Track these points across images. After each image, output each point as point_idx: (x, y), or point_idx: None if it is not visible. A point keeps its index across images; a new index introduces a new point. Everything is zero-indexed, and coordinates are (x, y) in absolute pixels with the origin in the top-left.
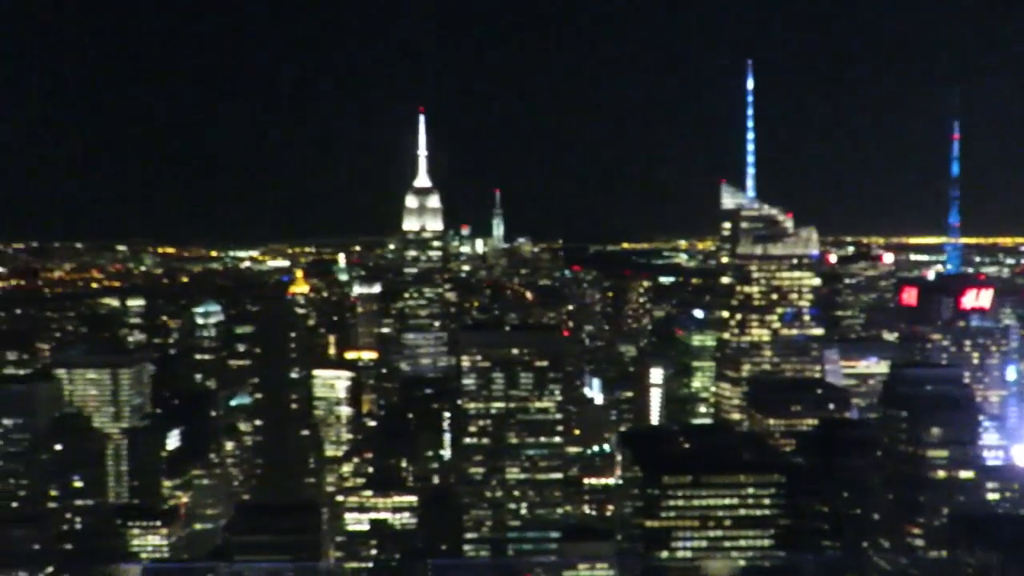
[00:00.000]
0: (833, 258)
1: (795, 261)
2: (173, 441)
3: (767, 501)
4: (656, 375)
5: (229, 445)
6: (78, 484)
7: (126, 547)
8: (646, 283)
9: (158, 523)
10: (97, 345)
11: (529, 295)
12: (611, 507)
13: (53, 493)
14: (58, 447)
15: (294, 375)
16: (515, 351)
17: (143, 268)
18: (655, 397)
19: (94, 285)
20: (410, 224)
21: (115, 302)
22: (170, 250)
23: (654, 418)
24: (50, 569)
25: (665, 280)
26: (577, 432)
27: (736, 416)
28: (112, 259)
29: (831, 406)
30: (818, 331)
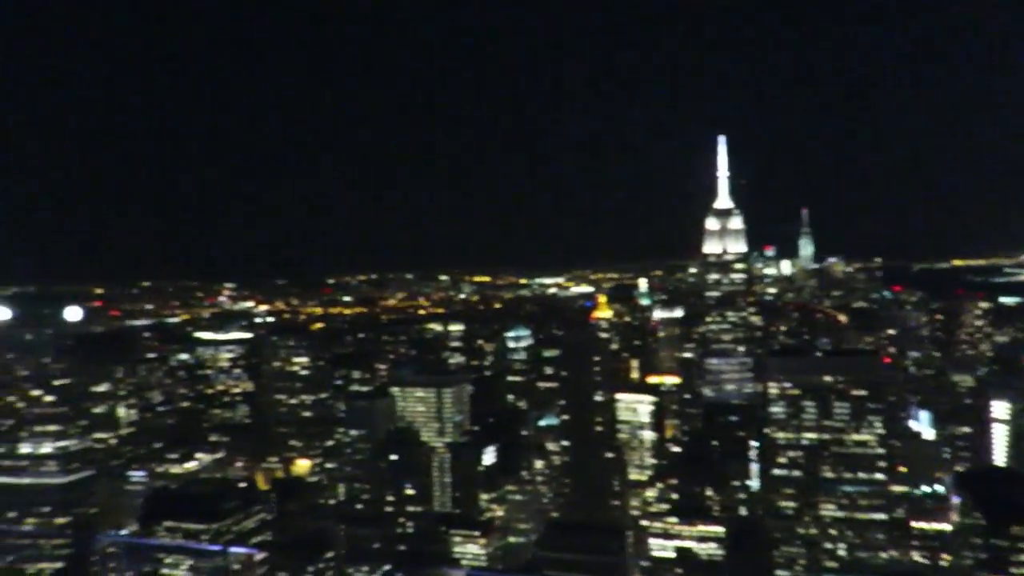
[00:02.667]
0: None
1: None
2: (489, 457)
3: None
4: (1000, 409)
5: (539, 463)
6: (410, 492)
7: (449, 553)
8: (984, 304)
9: (477, 533)
10: (424, 366)
11: (842, 318)
12: (946, 557)
13: (389, 498)
14: (393, 457)
15: (598, 398)
16: (828, 378)
17: (462, 296)
18: (999, 434)
19: (421, 312)
20: (711, 247)
21: (439, 327)
22: (485, 279)
23: (998, 458)
24: (387, 567)
25: (1008, 301)
26: (903, 470)
27: None
28: (436, 288)
29: None
30: None
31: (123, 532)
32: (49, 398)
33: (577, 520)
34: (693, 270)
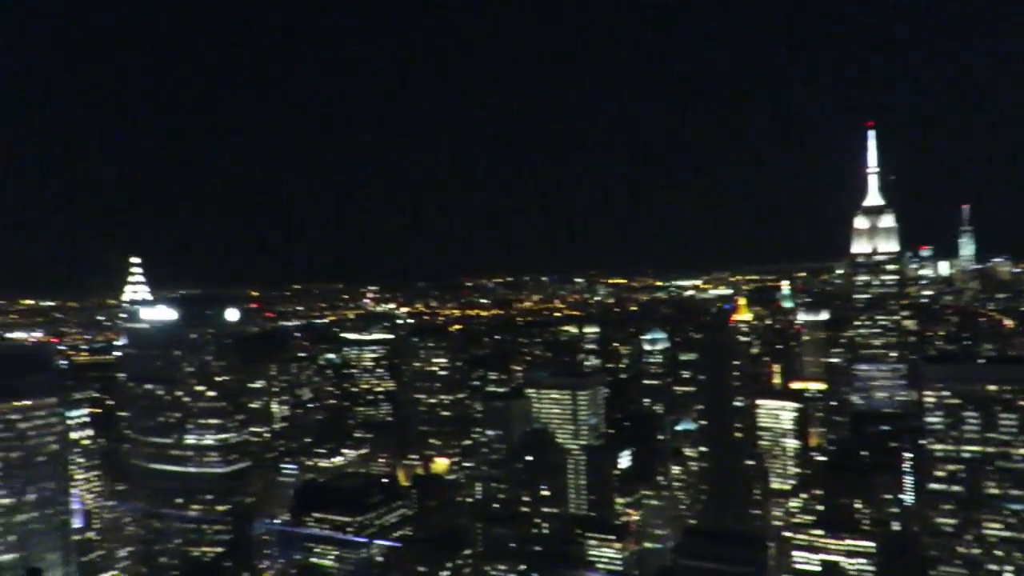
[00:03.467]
0: None
1: None
2: (624, 460)
3: None
4: None
5: (675, 469)
6: (545, 493)
7: (584, 556)
8: None
9: (612, 537)
10: (560, 368)
11: (1008, 322)
12: None
13: (525, 499)
14: (528, 458)
15: (738, 403)
16: (992, 387)
17: (597, 298)
18: None
19: (556, 314)
20: (860, 246)
21: (574, 329)
22: (620, 281)
23: None
24: (522, 567)
25: None
26: None
27: None
28: (571, 290)
29: None
30: None
31: (276, 521)
32: (211, 393)
33: (716, 528)
34: (840, 271)
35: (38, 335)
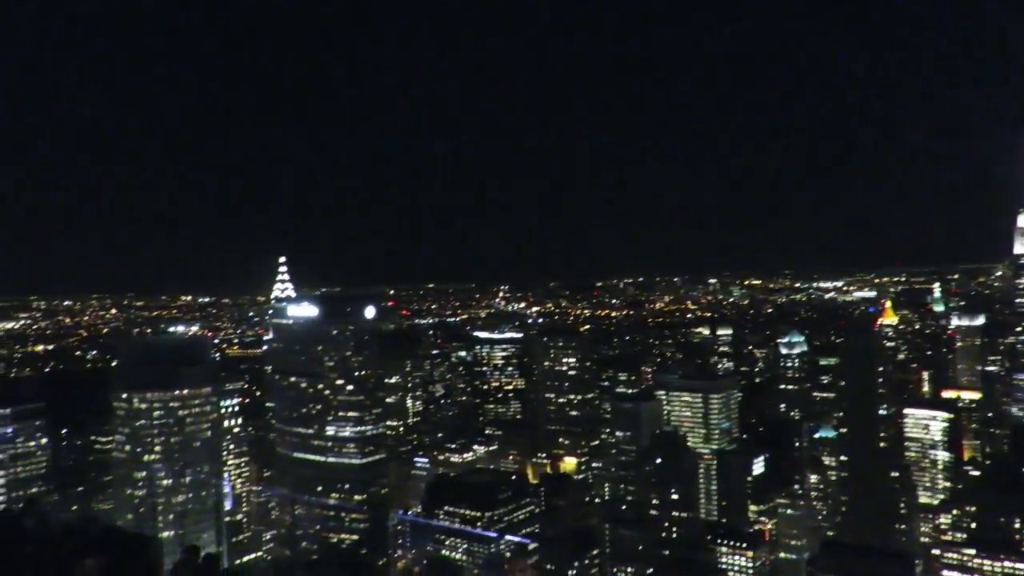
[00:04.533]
0: None
1: None
2: (758, 467)
3: None
4: None
5: (813, 478)
6: (675, 497)
7: (715, 564)
8: None
9: (744, 545)
10: (691, 370)
11: None
12: None
13: (654, 502)
14: (658, 460)
15: (882, 411)
16: None
17: (731, 299)
18: None
19: (688, 315)
20: (1022, 247)
21: (706, 331)
22: (756, 282)
23: None
24: (651, 571)
25: None
26: None
27: None
28: (704, 291)
29: None
30: None
31: (409, 513)
32: (350, 387)
33: (856, 542)
34: (999, 273)
35: (195, 329)
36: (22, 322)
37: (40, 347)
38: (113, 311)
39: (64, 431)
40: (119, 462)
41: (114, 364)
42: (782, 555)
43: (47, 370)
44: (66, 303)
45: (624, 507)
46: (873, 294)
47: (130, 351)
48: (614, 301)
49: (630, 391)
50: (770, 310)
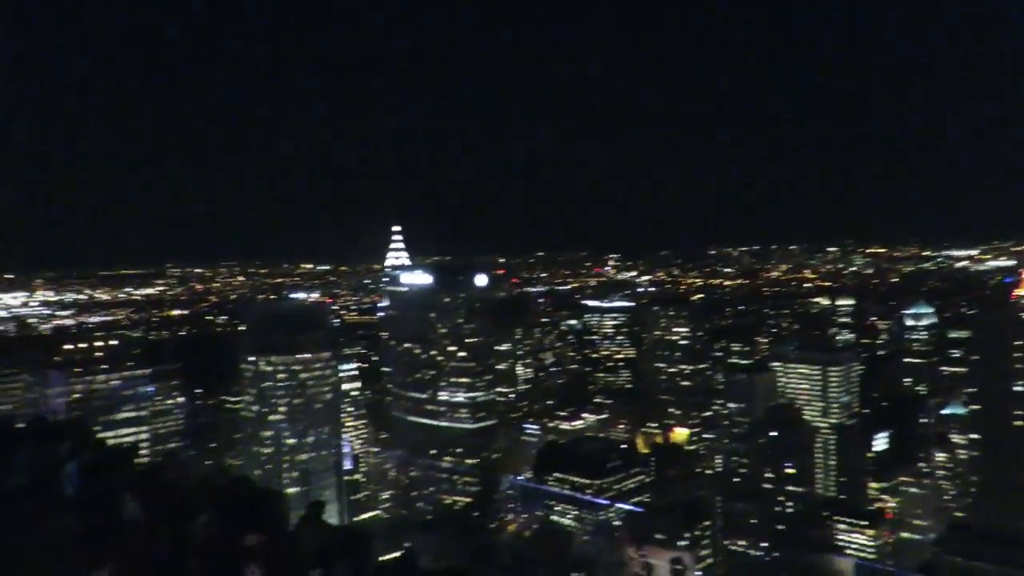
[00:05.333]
0: None
1: None
2: (880, 443)
3: None
4: None
5: (940, 456)
6: (790, 471)
7: (832, 540)
8: None
9: (865, 523)
10: (808, 342)
11: None
12: None
13: (768, 475)
14: (773, 434)
15: (1018, 388)
16: None
17: (853, 268)
18: None
19: (806, 285)
20: None
21: (825, 301)
22: (880, 250)
23: None
24: (764, 544)
25: None
26: None
27: None
28: (823, 260)
29: None
30: None
31: (519, 478)
32: (462, 354)
33: (987, 525)
34: None
35: (315, 296)
36: (159, 288)
37: (176, 312)
38: (240, 278)
39: (198, 391)
40: (247, 421)
41: (242, 329)
42: (904, 535)
43: (182, 334)
44: (198, 271)
45: (737, 480)
46: (1012, 263)
47: (256, 317)
48: (727, 270)
49: (744, 362)
50: (895, 279)
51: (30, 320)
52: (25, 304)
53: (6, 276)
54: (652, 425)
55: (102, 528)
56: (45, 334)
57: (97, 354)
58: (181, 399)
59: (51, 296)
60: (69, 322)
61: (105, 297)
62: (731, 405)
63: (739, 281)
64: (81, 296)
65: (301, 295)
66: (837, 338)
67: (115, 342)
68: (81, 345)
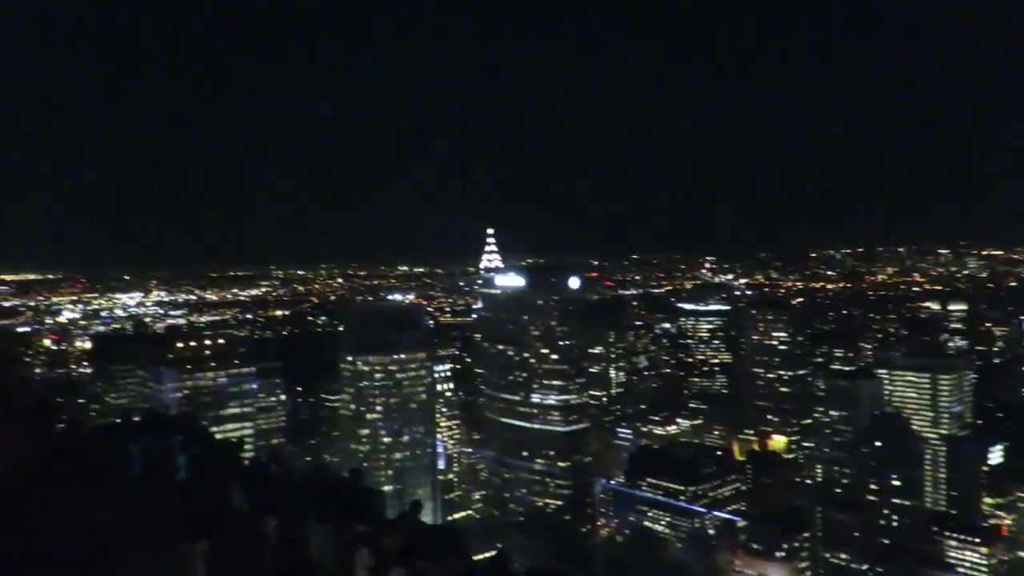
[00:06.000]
0: None
1: None
2: (995, 456)
3: None
4: None
5: None
6: (896, 483)
7: (941, 557)
8: None
9: (977, 540)
10: (916, 348)
11: None
12: None
13: (872, 487)
14: (878, 443)
15: None
16: None
17: (966, 272)
18: None
19: (915, 289)
20: None
21: (936, 306)
22: (997, 252)
23: None
24: (868, 559)
25: None
26: None
27: None
28: (934, 263)
29: None
30: None
31: (612, 482)
32: (554, 356)
33: None
34: None
35: (411, 297)
36: (263, 289)
37: (278, 312)
38: (339, 279)
39: (299, 389)
40: (345, 419)
41: (341, 329)
42: (1021, 554)
43: (284, 333)
44: (299, 272)
45: (838, 490)
46: None
47: (354, 317)
48: (830, 272)
49: (847, 368)
50: (1013, 284)
51: (146, 319)
52: (141, 304)
53: (124, 277)
54: (748, 432)
55: (209, 514)
56: (159, 332)
57: (206, 352)
58: (283, 396)
59: (164, 296)
60: (181, 321)
61: (214, 297)
62: (833, 413)
63: (842, 284)
64: (192, 296)
65: (398, 296)
66: (948, 345)
67: (222, 341)
68: (191, 343)
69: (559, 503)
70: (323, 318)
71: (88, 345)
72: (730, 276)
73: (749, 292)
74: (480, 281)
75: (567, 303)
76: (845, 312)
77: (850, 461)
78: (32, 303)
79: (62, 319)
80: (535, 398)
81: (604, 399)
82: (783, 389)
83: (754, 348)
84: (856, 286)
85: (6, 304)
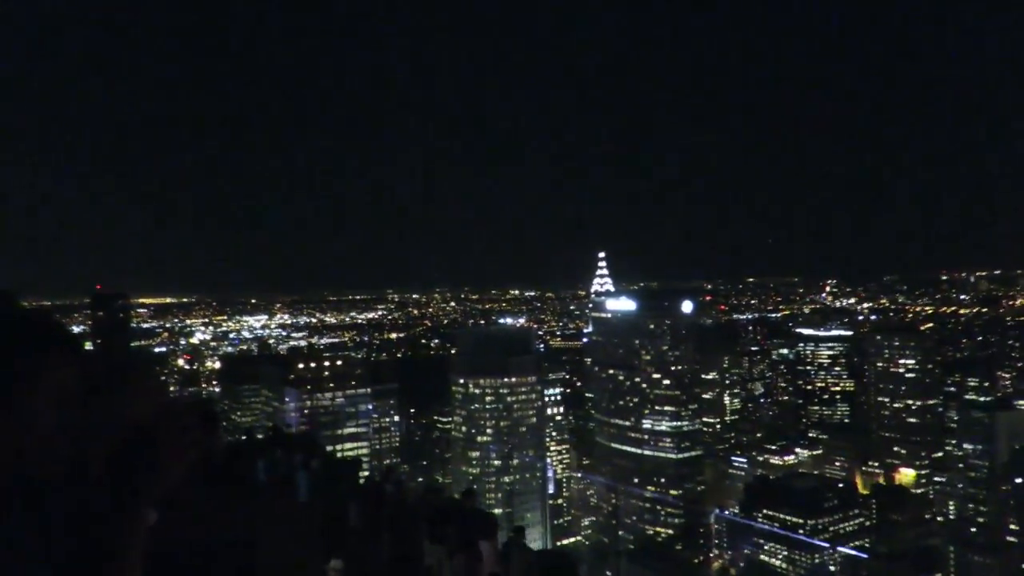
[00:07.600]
0: None
1: None
2: None
3: None
4: None
5: None
6: None
7: None
8: None
9: None
10: None
11: None
12: None
13: (1013, 527)
14: (1019, 480)
15: None
16: None
17: None
18: None
19: None
20: None
21: None
22: None
23: None
24: None
25: None
26: None
27: None
28: None
29: None
30: None
31: (726, 512)
32: (667, 381)
33: None
34: None
35: (522, 321)
36: (379, 312)
37: (394, 335)
38: (452, 303)
39: (412, 410)
40: (456, 441)
41: (453, 352)
42: None
43: (399, 355)
44: (414, 296)
45: (973, 530)
46: None
47: (466, 340)
48: (963, 297)
49: (983, 399)
50: None
51: (270, 340)
52: (266, 326)
53: (252, 300)
54: (873, 464)
55: (332, 529)
56: (282, 354)
57: (325, 373)
58: (397, 417)
59: (288, 319)
60: (302, 343)
61: (333, 320)
62: (967, 446)
63: (977, 309)
64: (312, 319)
65: (508, 320)
66: None
67: (340, 362)
68: (312, 364)
69: (670, 532)
70: (436, 341)
71: (217, 365)
72: (852, 300)
73: (873, 317)
74: (591, 305)
75: (680, 327)
76: (980, 338)
77: (987, 498)
78: (168, 325)
79: (194, 340)
80: (646, 424)
81: (718, 426)
82: (911, 420)
83: (879, 376)
84: (992, 311)
85: (145, 326)
